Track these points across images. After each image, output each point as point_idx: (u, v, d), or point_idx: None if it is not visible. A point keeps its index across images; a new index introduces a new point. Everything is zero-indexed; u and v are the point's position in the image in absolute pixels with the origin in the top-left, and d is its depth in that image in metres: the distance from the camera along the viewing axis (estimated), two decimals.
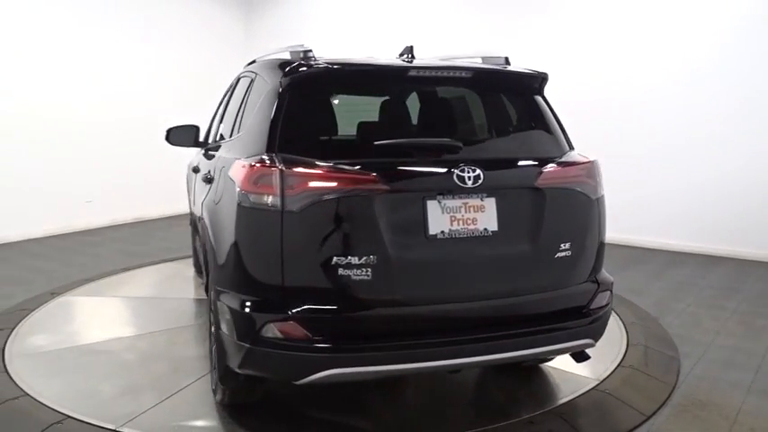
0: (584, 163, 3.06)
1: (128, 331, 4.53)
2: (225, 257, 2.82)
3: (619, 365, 3.84)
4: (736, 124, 6.90)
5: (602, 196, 3.12)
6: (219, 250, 2.91)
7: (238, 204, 2.68)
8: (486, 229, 2.74)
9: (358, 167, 2.64)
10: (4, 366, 3.78)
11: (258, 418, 3.20)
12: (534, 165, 2.95)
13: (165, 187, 8.88)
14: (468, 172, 2.71)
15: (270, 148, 2.74)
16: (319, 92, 3.07)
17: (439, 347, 2.70)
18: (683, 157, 7.27)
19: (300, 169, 2.61)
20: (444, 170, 2.72)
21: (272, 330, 2.58)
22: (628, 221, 7.67)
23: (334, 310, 2.62)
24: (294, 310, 2.59)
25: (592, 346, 3.05)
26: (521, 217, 2.85)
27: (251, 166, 2.69)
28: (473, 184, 2.70)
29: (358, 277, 2.57)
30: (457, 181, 2.69)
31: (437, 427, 3.18)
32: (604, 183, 3.15)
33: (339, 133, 3.39)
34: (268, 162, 2.66)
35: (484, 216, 2.75)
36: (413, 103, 3.63)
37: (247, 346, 2.64)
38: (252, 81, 3.54)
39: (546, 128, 3.21)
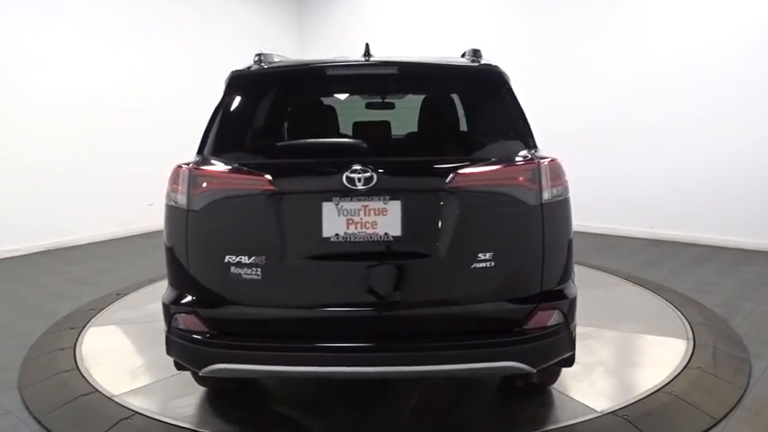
0: (518, 164, 2.72)
1: None
2: (165, 254, 2.94)
3: (686, 367, 3.71)
4: None
5: (555, 202, 2.71)
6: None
7: (165, 203, 2.83)
8: (386, 233, 2.59)
9: (253, 169, 2.67)
10: (76, 363, 3.94)
11: (236, 407, 3.34)
12: (450, 166, 2.65)
13: None
14: (359, 173, 2.56)
15: (200, 150, 2.90)
16: (250, 95, 3.05)
17: (329, 353, 2.61)
18: (747, 154, 7.01)
19: (204, 170, 2.72)
20: (336, 172, 2.59)
21: (178, 321, 2.75)
22: (693, 218, 7.47)
23: (226, 306, 2.71)
24: (195, 305, 2.73)
25: (524, 371, 2.67)
26: (430, 222, 2.62)
27: (175, 166, 2.83)
28: (364, 185, 2.56)
29: (248, 276, 2.62)
30: (346, 183, 2.56)
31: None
32: (571, 186, 2.81)
33: (278, 135, 3.29)
34: (184, 163, 2.78)
35: (385, 220, 2.60)
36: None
37: (166, 333, 2.82)
38: None
39: (493, 126, 3.00)
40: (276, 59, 3.24)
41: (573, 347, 2.85)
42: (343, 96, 4.08)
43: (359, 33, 10.23)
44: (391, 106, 4.03)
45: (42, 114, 7.66)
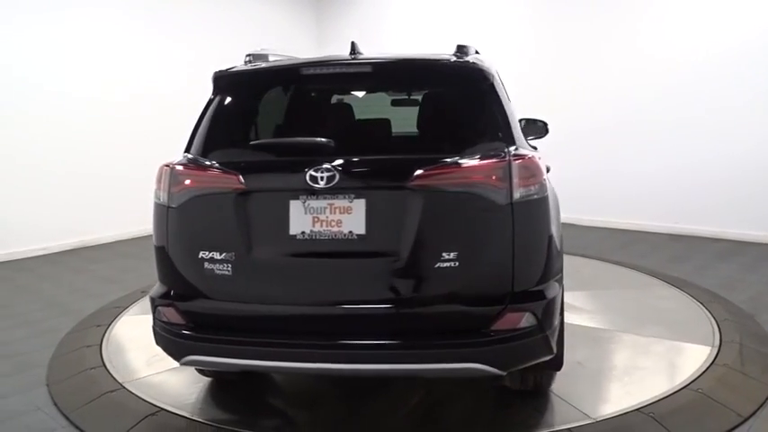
0: (486, 162, 2.61)
1: None
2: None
3: (712, 364, 3.65)
4: None
5: (528, 201, 2.61)
6: None
7: (154, 201, 2.95)
8: (351, 232, 2.60)
9: (225, 167, 2.76)
10: (102, 360, 4.00)
11: (235, 398, 3.49)
12: (414, 165, 2.59)
13: None
14: (322, 172, 2.59)
15: (187, 149, 3.00)
16: (231, 95, 3.11)
17: (293, 349, 2.65)
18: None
19: (182, 168, 2.83)
20: (301, 170, 2.62)
21: (161, 314, 2.88)
22: (717, 213, 7.37)
23: (201, 300, 2.80)
24: (174, 298, 2.85)
25: (491, 374, 2.60)
26: (394, 221, 2.60)
27: (161, 165, 2.94)
28: (326, 184, 2.58)
29: (220, 272, 2.70)
30: (309, 181, 2.59)
31: None
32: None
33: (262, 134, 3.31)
34: (169, 162, 2.90)
35: (350, 218, 2.60)
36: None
37: (152, 325, 2.95)
38: None
39: (470, 123, 2.93)
40: (272, 59, 3.27)
41: (551, 351, 2.75)
42: (360, 94, 4.08)
43: (377, 32, 10.23)
44: (416, 104, 4.02)
45: (68, 117, 7.75)
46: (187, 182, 2.79)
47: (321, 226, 2.62)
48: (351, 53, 3.08)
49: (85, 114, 7.95)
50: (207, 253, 2.72)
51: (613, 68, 8.10)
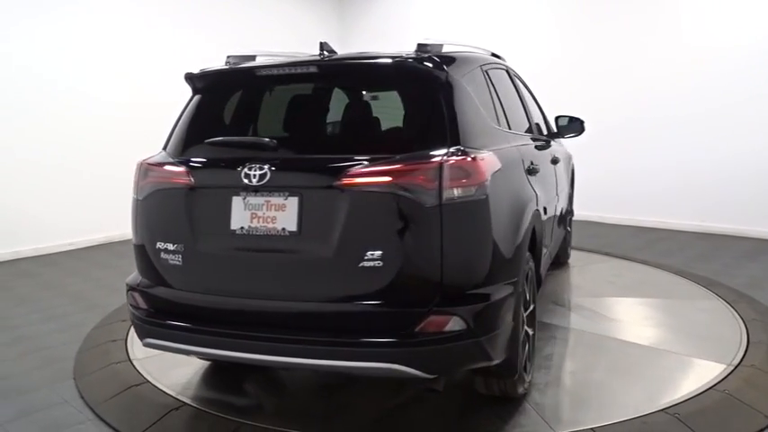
0: (414, 163, 2.57)
1: None
2: None
3: (739, 365, 3.60)
4: None
5: (461, 203, 2.56)
6: None
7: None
8: (284, 228, 2.68)
9: (179, 164, 2.96)
10: (127, 354, 4.06)
11: (259, 393, 3.61)
12: (342, 164, 2.62)
13: None
14: (255, 170, 2.71)
15: (164, 147, 3.22)
16: (202, 95, 3.28)
17: (228, 339, 2.80)
18: None
19: (148, 164, 3.07)
20: (237, 168, 2.75)
21: (130, 297, 3.11)
22: (744, 211, 7.25)
23: (158, 288, 3.00)
24: (139, 284, 3.08)
25: (416, 376, 2.58)
26: (324, 219, 2.63)
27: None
28: (258, 182, 2.70)
29: (173, 262, 2.90)
30: (244, 179, 2.72)
31: None
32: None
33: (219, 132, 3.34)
34: (144, 158, 3.14)
35: (284, 215, 2.69)
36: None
37: (127, 306, 3.20)
38: None
39: (412, 123, 2.93)
40: (262, 59, 3.33)
41: (488, 357, 2.69)
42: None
43: (401, 29, 10.20)
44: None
45: (94, 116, 7.85)
46: (150, 177, 3.02)
47: (258, 222, 2.74)
48: (320, 53, 3.15)
49: (112, 113, 8.03)
50: (163, 244, 2.92)
51: (634, 65, 7.99)
